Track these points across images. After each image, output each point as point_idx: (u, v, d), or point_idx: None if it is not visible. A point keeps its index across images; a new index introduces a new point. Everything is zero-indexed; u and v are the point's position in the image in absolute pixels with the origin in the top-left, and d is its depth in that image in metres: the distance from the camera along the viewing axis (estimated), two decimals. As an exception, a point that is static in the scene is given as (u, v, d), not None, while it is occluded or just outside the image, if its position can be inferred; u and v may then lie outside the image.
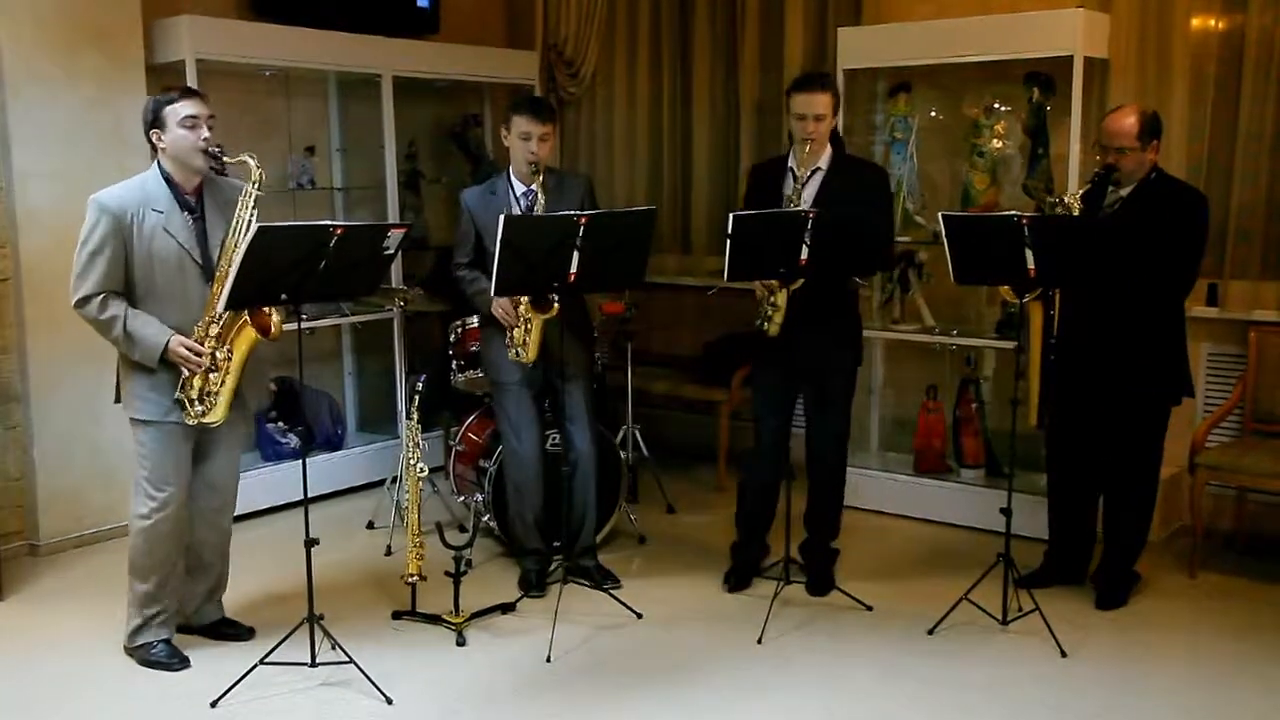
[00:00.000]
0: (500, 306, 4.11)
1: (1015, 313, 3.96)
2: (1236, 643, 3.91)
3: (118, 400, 3.74)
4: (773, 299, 4.01)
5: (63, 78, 4.74)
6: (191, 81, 4.85)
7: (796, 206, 3.98)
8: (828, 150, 4.12)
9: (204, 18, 5.02)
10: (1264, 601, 4.26)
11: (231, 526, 3.98)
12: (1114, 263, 3.77)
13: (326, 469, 5.58)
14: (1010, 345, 4.03)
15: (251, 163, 3.54)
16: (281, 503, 5.32)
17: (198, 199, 3.67)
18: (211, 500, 3.85)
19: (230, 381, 3.57)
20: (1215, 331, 4.88)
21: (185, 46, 4.91)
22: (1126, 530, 4.19)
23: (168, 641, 3.79)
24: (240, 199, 3.56)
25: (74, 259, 3.56)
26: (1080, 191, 3.91)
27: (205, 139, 3.56)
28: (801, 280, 3.91)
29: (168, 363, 3.55)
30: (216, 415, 3.60)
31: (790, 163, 4.17)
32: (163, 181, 3.62)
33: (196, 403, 3.58)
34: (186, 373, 3.56)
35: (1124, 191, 3.97)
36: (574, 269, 3.73)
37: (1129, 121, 3.90)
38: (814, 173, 4.09)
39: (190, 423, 3.61)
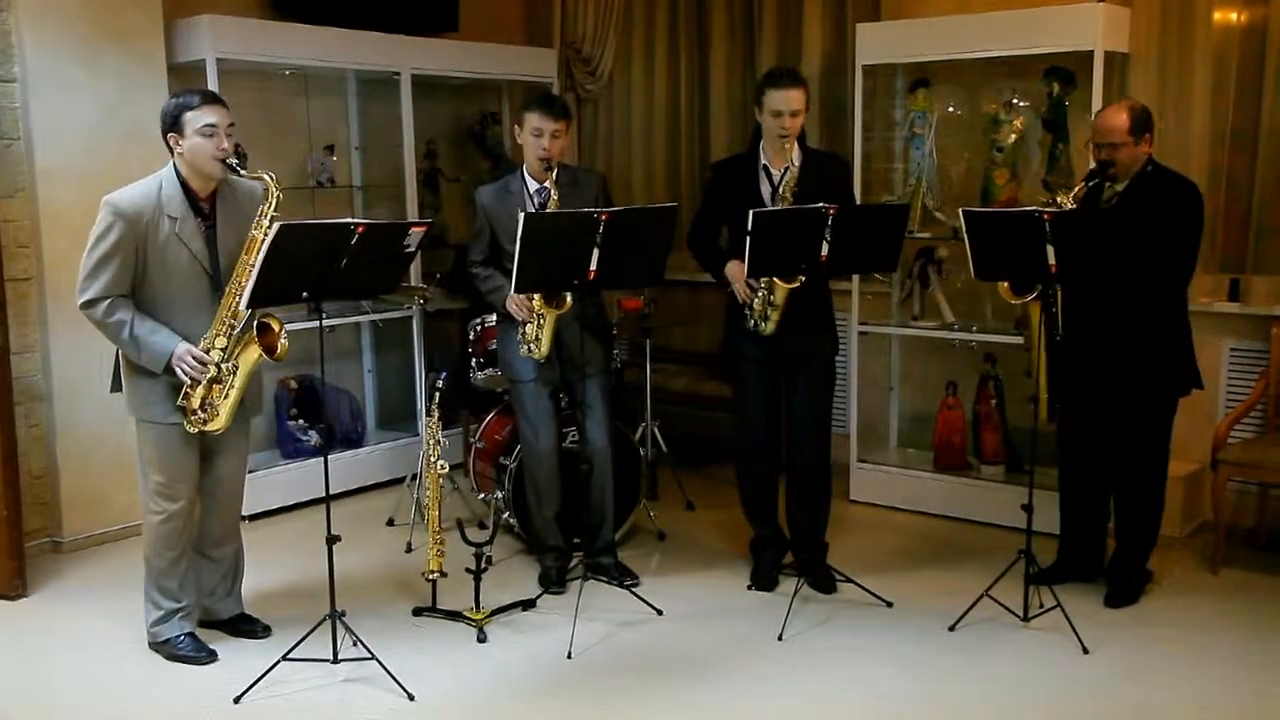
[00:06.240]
0: (515, 300, 4.11)
1: (1020, 315, 3.97)
2: (1259, 639, 3.88)
3: (114, 389, 3.73)
4: (772, 298, 3.99)
5: (84, 78, 4.77)
6: (212, 81, 4.88)
7: (789, 205, 3.96)
8: (796, 145, 4.08)
9: (225, 17, 5.03)
10: (1287, 598, 4.24)
11: (240, 519, 4.01)
12: (1118, 257, 3.78)
13: (347, 466, 5.60)
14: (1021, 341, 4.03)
15: (270, 181, 3.51)
16: (302, 500, 5.35)
17: (211, 205, 3.64)
18: (219, 493, 3.86)
19: (234, 395, 3.58)
20: (1237, 327, 4.85)
21: (206, 46, 4.93)
22: (1138, 527, 4.18)
23: (192, 635, 3.82)
24: (255, 217, 3.51)
25: (83, 258, 3.53)
26: (1077, 192, 3.88)
27: (223, 149, 3.52)
28: (802, 279, 3.88)
29: (172, 370, 3.54)
30: (219, 424, 3.61)
31: (763, 160, 4.13)
32: (178, 186, 3.57)
33: (199, 411, 3.59)
34: (188, 382, 3.55)
35: (1119, 186, 3.97)
36: (594, 266, 3.73)
37: (1121, 118, 3.92)
38: (786, 169, 4.05)
39: (191, 430, 3.62)
